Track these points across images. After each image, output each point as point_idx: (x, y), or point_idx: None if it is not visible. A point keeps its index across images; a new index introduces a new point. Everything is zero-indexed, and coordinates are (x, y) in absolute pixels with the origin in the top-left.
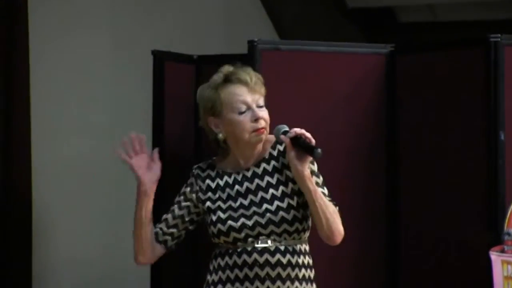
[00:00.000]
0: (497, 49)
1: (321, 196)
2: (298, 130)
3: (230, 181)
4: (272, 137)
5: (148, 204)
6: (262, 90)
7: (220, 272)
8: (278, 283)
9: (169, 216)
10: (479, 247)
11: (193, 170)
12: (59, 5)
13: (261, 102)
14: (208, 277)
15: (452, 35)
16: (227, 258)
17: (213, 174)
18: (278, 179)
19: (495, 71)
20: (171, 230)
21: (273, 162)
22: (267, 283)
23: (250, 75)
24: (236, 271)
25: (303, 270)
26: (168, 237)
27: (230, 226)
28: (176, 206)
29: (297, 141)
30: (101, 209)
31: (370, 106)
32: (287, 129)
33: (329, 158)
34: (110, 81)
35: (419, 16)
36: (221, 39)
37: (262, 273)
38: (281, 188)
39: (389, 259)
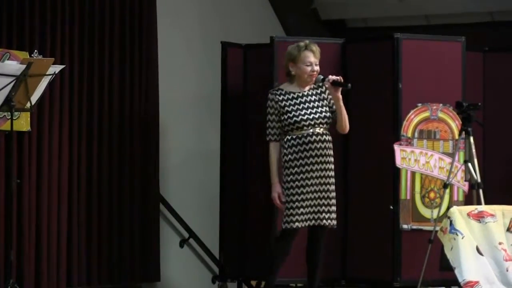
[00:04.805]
0: (398, 42)
1: (344, 108)
2: (332, 77)
3: (295, 96)
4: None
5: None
6: (318, 57)
7: (293, 148)
8: (326, 150)
9: (276, 125)
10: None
11: (270, 95)
12: None
13: (317, 62)
14: (285, 157)
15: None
16: (297, 140)
17: (282, 92)
18: (318, 98)
19: (397, 57)
20: (279, 133)
21: (314, 91)
22: (319, 151)
23: (316, 48)
24: (304, 146)
25: (331, 146)
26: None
27: (301, 118)
28: (275, 117)
29: (334, 82)
30: None
31: None
32: (322, 76)
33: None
34: None
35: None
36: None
37: (318, 146)
38: (320, 102)
39: None
